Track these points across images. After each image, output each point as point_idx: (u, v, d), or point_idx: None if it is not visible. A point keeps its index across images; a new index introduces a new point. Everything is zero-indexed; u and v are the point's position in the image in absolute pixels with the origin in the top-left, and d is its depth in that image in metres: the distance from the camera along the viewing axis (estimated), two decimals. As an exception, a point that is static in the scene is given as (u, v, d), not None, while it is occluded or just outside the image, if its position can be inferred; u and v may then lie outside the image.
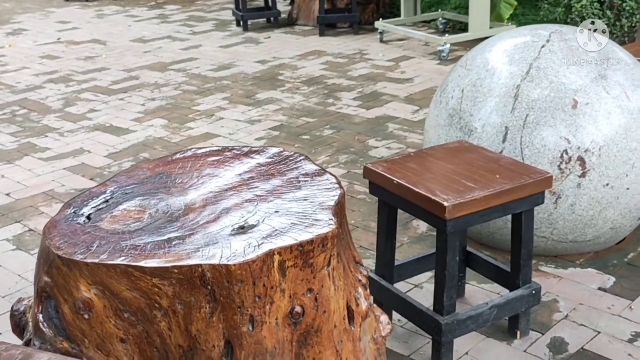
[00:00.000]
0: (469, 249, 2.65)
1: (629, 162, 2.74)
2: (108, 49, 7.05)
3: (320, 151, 4.25)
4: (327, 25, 7.41)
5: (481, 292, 2.74)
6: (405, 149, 4.19)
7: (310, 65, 6.12)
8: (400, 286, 2.63)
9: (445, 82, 3.11)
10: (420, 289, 2.78)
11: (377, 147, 4.28)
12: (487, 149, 2.56)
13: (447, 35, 6.25)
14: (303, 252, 1.69)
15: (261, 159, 2.13)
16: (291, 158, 2.13)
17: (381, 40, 6.80)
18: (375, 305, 1.98)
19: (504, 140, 2.78)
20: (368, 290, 1.93)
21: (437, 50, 6.13)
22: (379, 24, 6.78)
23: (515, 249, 2.38)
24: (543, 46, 2.86)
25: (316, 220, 1.78)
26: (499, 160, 2.39)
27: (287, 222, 1.78)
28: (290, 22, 7.82)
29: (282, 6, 8.30)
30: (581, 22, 6.15)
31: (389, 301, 2.46)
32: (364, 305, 1.87)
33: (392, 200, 2.35)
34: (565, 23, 6.27)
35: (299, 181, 1.99)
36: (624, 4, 5.99)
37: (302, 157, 2.12)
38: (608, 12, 6.09)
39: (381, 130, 4.55)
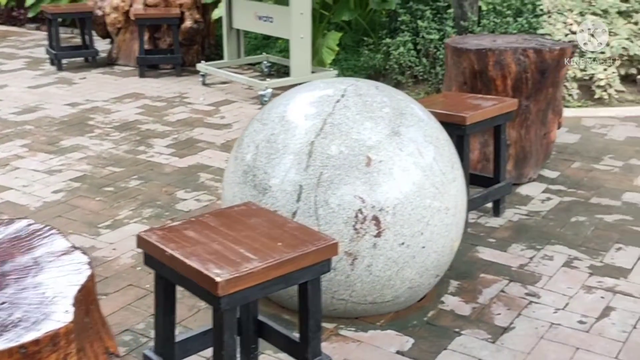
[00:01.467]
0: (260, 317, 2.47)
1: (423, 220, 2.68)
2: None
3: (122, 205, 3.96)
4: (149, 66, 7.14)
5: (277, 362, 2.57)
6: (216, 201, 3.99)
7: (126, 109, 5.80)
8: (187, 362, 2.40)
9: (242, 136, 2.95)
10: (212, 362, 2.56)
11: (185, 200, 4.04)
12: (274, 212, 2.41)
13: (268, 79, 6.15)
14: (27, 355, 1.43)
15: (2, 234, 1.84)
16: (39, 233, 1.85)
17: (203, 83, 6.61)
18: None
19: (298, 200, 2.64)
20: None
21: (259, 95, 6.01)
22: (201, 66, 6.59)
23: (303, 320, 2.23)
24: (338, 101, 2.77)
25: (49, 313, 1.53)
26: (284, 225, 2.24)
27: (14, 317, 1.51)
28: (110, 62, 7.47)
29: (104, 44, 7.92)
30: (399, 68, 6.28)
31: (169, 383, 2.22)
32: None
33: (167, 274, 2.13)
34: (384, 69, 6.38)
35: (41, 263, 1.72)
36: (438, 53, 6.16)
37: (52, 232, 1.85)
38: (424, 60, 6.25)
39: (192, 180, 4.32)
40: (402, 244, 2.66)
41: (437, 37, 6.23)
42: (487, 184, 3.83)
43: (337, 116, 2.72)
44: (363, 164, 2.63)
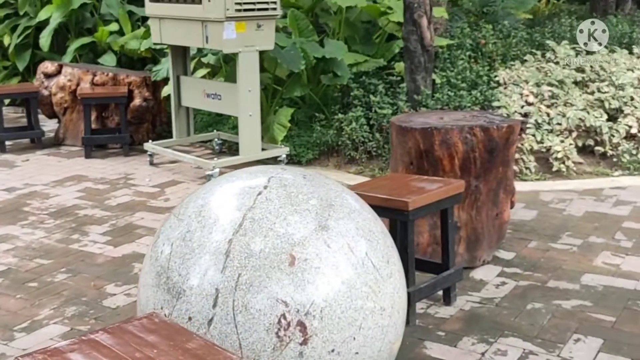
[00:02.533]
0: None
1: (355, 324, 2.42)
2: None
3: (44, 303, 3.64)
4: (97, 146, 6.90)
5: None
6: (147, 295, 3.68)
7: (65, 193, 5.52)
8: None
9: (157, 232, 2.69)
10: None
11: (115, 295, 3.74)
12: (179, 325, 2.14)
13: (216, 159, 5.93)
14: None
15: None
16: None
17: (151, 163, 6.37)
18: None
19: (214, 305, 2.37)
20: None
21: (206, 175, 5.77)
22: (148, 145, 6.37)
23: None
24: (259, 193, 2.53)
25: None
26: (187, 342, 1.96)
27: None
28: (56, 143, 7.21)
29: (53, 124, 7.66)
30: (352, 144, 6.10)
31: None
32: None
33: (46, 406, 1.83)
34: (337, 145, 6.20)
35: None
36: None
37: None
38: (377, 135, 6.09)
39: (125, 272, 4.03)
40: (332, 351, 2.39)
41: (390, 111, 6.08)
42: (436, 270, 3.60)
43: (258, 210, 2.47)
44: (286, 263, 2.38)
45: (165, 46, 6.64)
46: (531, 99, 6.60)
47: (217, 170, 5.74)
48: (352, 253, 2.48)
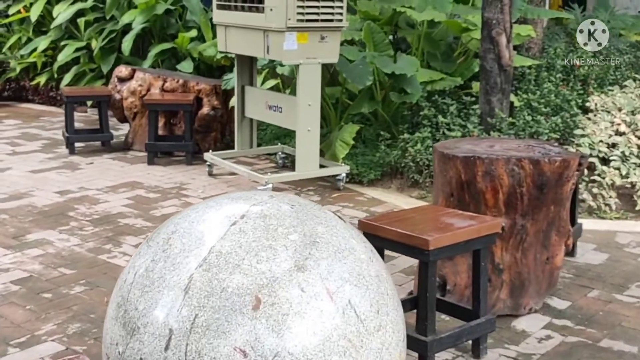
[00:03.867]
0: None
1: (325, 384, 2.09)
2: None
3: (51, 317, 3.49)
4: (163, 153, 6.83)
5: None
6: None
7: (115, 200, 5.44)
8: None
9: (132, 258, 2.46)
10: None
11: (124, 313, 3.55)
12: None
13: (269, 174, 5.70)
14: None
15: None
16: None
17: (210, 174, 6.21)
18: None
19: (166, 348, 2.10)
20: None
21: (259, 191, 5.54)
22: (208, 155, 6.21)
23: None
24: (234, 223, 2.25)
25: None
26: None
27: None
28: (125, 147, 7.20)
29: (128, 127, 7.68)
30: (416, 167, 5.73)
31: None
32: None
33: None
34: (401, 166, 5.85)
35: None
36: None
37: None
38: (444, 158, 5.67)
39: (143, 289, 3.83)
40: (296, 412, 2.07)
41: (459, 134, 5.67)
42: (467, 317, 3.20)
43: (228, 243, 2.19)
44: (249, 306, 2.08)
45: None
46: (623, 128, 6.01)
47: (270, 185, 5.50)
48: (331, 300, 2.16)
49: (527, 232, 3.45)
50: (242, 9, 5.70)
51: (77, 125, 8.17)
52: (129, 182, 5.96)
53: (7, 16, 9.57)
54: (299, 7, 5.29)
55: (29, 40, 9.41)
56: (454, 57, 6.99)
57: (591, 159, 5.58)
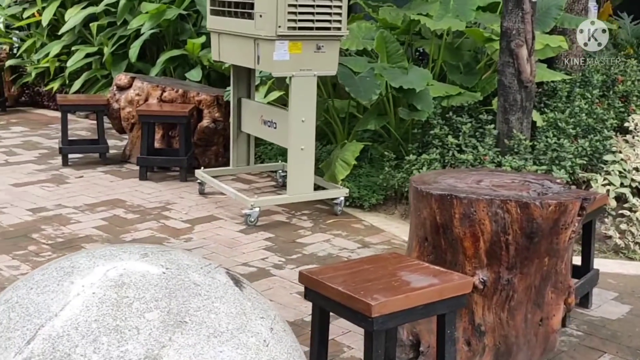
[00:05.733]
0: None
1: None
2: None
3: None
4: (160, 167, 6.39)
5: None
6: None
7: (88, 221, 4.99)
8: None
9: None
10: None
11: None
12: None
13: (256, 196, 5.17)
14: None
15: None
16: None
17: (201, 192, 5.73)
18: None
19: None
20: None
21: (244, 214, 5.03)
22: (198, 172, 5.73)
23: None
24: (78, 294, 1.72)
25: None
26: None
27: None
28: (123, 160, 6.78)
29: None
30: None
31: None
32: None
33: None
34: (406, 191, 5.26)
35: None
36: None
37: None
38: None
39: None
40: None
41: (471, 157, 5.05)
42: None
43: (62, 322, 1.67)
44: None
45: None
46: (665, 152, 5.32)
47: (256, 209, 4.98)
48: (189, 404, 1.62)
49: (515, 288, 2.84)
50: (235, 14, 5.20)
51: (82, 134, 7.86)
52: (111, 199, 5.52)
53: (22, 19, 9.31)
54: (290, 13, 4.76)
55: (44, 44, 9.11)
56: (477, 69, 6.36)
57: (622, 189, 4.91)
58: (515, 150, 5.08)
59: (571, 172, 4.98)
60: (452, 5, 6.21)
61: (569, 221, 2.80)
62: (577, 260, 3.72)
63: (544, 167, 4.91)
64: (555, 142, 5.11)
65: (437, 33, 6.29)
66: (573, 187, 4.71)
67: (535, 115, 5.49)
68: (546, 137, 5.25)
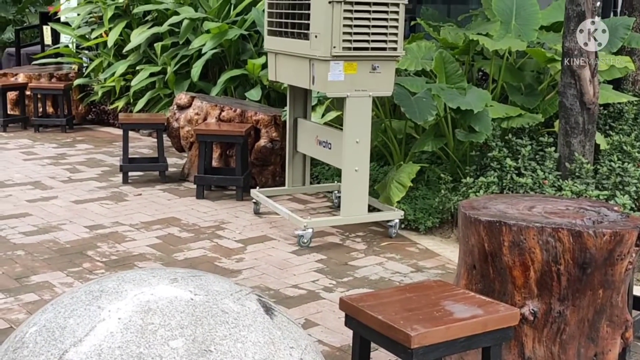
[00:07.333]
0: None
1: None
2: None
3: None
4: (218, 186, 6.43)
5: None
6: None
7: (143, 239, 5.04)
8: None
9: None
10: None
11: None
12: None
13: (310, 217, 5.13)
14: None
15: None
16: None
17: (256, 212, 5.73)
18: None
19: None
20: None
21: (297, 235, 5.00)
22: (254, 192, 5.73)
23: None
24: (103, 320, 1.71)
25: None
26: None
27: None
28: (182, 178, 6.86)
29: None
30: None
31: None
32: None
33: None
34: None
35: None
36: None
37: None
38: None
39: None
40: None
41: (530, 181, 4.90)
42: None
43: (85, 349, 1.65)
44: None
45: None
46: None
47: (309, 230, 4.95)
48: None
49: (567, 321, 2.71)
50: (292, 35, 5.20)
51: (144, 152, 7.99)
52: (167, 217, 5.57)
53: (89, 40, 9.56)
54: (345, 33, 4.73)
55: (110, 64, 9.34)
56: (539, 90, 6.19)
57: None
58: (577, 174, 4.91)
59: (636, 197, 4.78)
60: (513, 26, 6.09)
61: (625, 252, 2.66)
62: (638, 290, 3.55)
63: (607, 192, 4.72)
64: (619, 167, 4.92)
65: (498, 53, 6.16)
66: (638, 213, 4.52)
67: (599, 138, 5.31)
68: (610, 160, 5.07)
